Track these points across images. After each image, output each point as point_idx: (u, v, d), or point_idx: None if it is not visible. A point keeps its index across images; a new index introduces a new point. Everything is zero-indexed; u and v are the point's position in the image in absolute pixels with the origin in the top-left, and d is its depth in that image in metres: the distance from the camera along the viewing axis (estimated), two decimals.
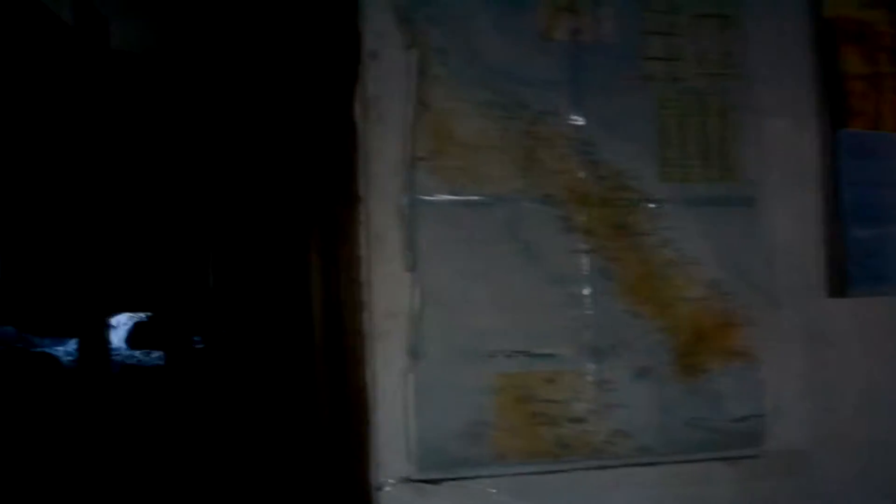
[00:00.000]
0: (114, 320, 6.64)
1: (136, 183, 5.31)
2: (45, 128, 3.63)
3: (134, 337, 6.44)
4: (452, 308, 1.50)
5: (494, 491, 1.52)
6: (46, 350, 5.46)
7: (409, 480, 1.50)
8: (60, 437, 3.47)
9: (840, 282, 1.65)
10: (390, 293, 1.51)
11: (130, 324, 6.64)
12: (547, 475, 1.53)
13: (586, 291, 1.54)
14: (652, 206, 1.58)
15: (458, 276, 1.50)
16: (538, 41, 1.57)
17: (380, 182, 1.52)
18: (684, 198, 1.59)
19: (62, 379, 4.42)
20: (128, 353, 6.13)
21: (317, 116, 1.62)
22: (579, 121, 1.57)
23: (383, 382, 1.51)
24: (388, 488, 1.50)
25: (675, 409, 1.57)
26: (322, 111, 1.61)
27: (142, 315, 6.68)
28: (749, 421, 1.57)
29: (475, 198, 1.52)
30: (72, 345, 5.68)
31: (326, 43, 1.60)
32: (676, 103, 1.61)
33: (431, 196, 1.51)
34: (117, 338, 6.48)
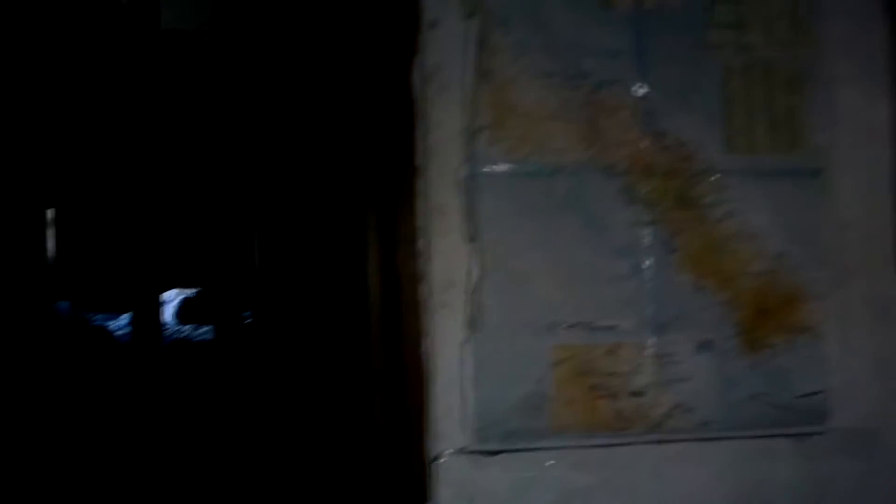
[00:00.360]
0: (165, 295, 6.82)
1: (185, 161, 5.38)
2: (98, 106, 3.68)
3: (183, 312, 6.61)
4: (512, 279, 1.50)
5: (552, 463, 1.51)
6: (101, 325, 5.63)
7: (465, 451, 1.51)
8: (113, 408, 3.55)
9: None
10: (450, 264, 1.51)
11: (179, 299, 6.81)
12: (605, 448, 1.53)
13: (648, 263, 1.53)
14: (717, 177, 1.55)
15: (519, 248, 1.50)
16: (601, 10, 1.55)
17: (439, 153, 1.52)
18: (750, 169, 1.56)
19: (116, 352, 4.54)
20: (177, 327, 6.29)
21: (374, 88, 1.62)
22: (643, 90, 1.54)
23: (441, 354, 1.52)
24: (444, 459, 1.51)
25: (738, 384, 1.55)
26: (380, 82, 1.61)
27: (190, 291, 6.84)
28: (814, 397, 1.54)
29: (536, 168, 1.51)
30: (123, 320, 5.83)
31: (384, 12, 1.59)
32: (743, 72, 1.57)
33: (492, 167, 1.50)
34: (167, 313, 6.66)
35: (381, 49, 1.55)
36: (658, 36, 1.56)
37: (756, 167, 1.55)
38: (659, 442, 1.54)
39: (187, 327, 6.34)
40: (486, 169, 1.50)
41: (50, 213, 7.19)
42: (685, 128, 1.54)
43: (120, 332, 5.34)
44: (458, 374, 1.50)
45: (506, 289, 1.50)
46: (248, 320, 5.76)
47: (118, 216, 4.66)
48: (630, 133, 1.53)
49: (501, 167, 1.50)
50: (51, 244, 7.10)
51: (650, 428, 1.53)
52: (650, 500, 1.55)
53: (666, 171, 1.53)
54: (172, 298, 7.07)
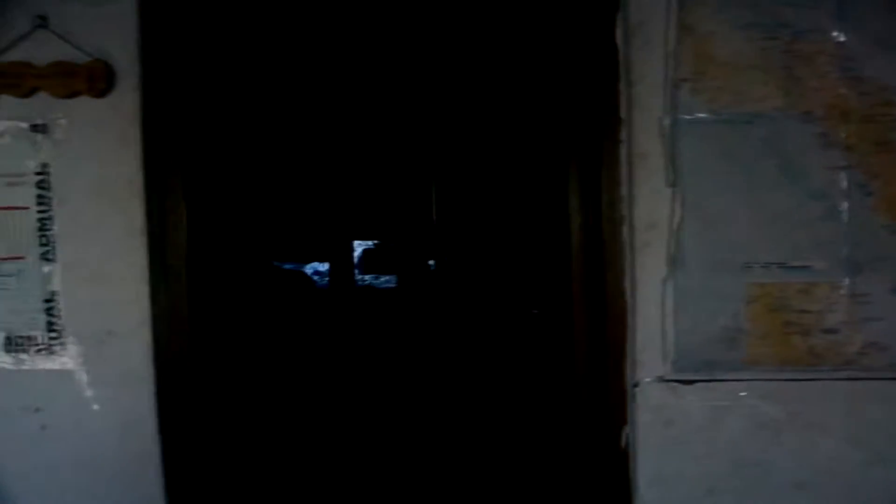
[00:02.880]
0: None
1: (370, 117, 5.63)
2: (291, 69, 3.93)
3: (364, 262, 7.16)
4: (711, 221, 1.63)
5: (744, 394, 1.64)
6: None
7: (663, 380, 1.67)
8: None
9: None
10: (651, 207, 1.66)
11: (360, 250, 7.37)
12: (798, 382, 1.64)
13: (843, 206, 1.62)
14: None
15: (718, 191, 1.62)
16: None
17: (642, 104, 1.66)
18: None
19: (314, 293, 5.05)
20: (359, 277, 6.83)
21: (579, 43, 1.77)
22: (841, 37, 1.61)
23: (642, 289, 1.68)
24: (644, 386, 1.67)
25: None
26: (584, 38, 1.75)
27: (369, 242, 7.38)
28: None
29: (735, 116, 1.62)
30: (308, 269, 6.43)
31: None
32: None
33: (693, 115, 1.63)
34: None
35: (585, 6, 1.69)
36: None
37: None
38: (851, 379, 1.63)
39: (369, 276, 6.87)
40: (687, 117, 1.63)
41: None
42: (886, 73, 1.61)
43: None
44: (659, 309, 1.66)
45: (704, 230, 1.63)
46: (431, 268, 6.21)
47: (310, 175, 4.99)
48: (828, 80, 1.61)
49: (702, 115, 1.63)
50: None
51: (842, 364, 1.63)
52: (840, 434, 1.65)
53: (864, 117, 1.61)
54: (354, 249, 7.67)
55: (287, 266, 6.95)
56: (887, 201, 1.62)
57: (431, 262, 6.54)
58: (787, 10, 1.62)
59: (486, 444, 3.49)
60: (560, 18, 1.80)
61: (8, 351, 1.87)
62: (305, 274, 6.24)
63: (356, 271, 7.09)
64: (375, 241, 7.36)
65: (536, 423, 2.90)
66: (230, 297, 2.27)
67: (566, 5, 1.78)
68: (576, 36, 1.76)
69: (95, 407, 1.86)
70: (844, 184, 1.62)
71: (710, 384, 1.66)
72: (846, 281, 1.63)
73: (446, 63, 3.32)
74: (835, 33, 1.62)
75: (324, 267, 6.88)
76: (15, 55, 1.83)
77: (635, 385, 1.69)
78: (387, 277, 6.56)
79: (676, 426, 1.67)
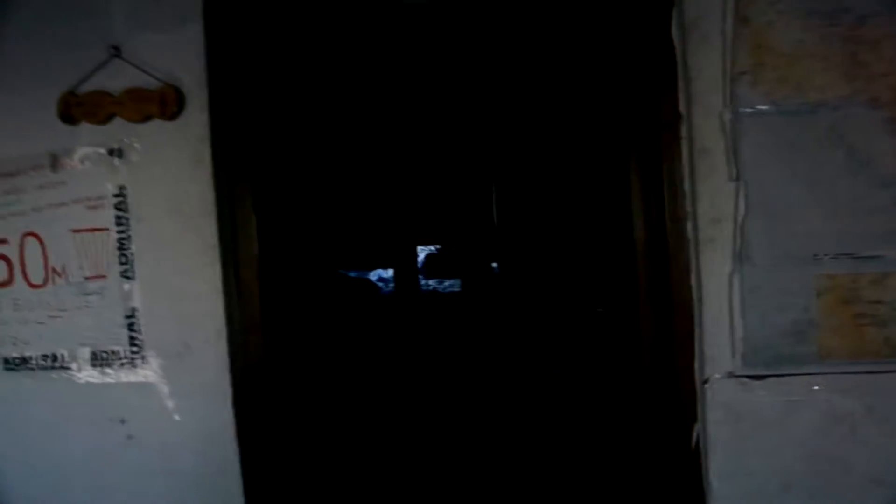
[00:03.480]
0: None
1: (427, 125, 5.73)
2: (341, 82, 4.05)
3: (427, 267, 7.30)
4: (777, 214, 1.62)
5: (817, 388, 1.63)
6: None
7: (733, 376, 1.67)
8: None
9: None
10: (715, 202, 1.66)
11: (423, 255, 7.52)
12: (873, 375, 1.62)
13: None
14: None
15: (782, 183, 1.62)
16: None
17: (702, 99, 1.66)
18: None
19: (380, 299, 5.19)
20: (423, 282, 6.96)
21: (635, 41, 1.79)
22: None
23: (709, 285, 1.68)
24: (713, 382, 1.67)
25: None
26: (640, 35, 1.76)
27: (431, 248, 7.52)
28: None
29: (797, 106, 1.61)
30: (373, 276, 6.58)
31: None
32: None
33: (753, 108, 1.63)
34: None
35: (640, 3, 1.70)
36: None
37: None
38: None
39: (433, 281, 6.99)
40: (747, 110, 1.63)
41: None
42: None
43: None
44: (727, 304, 1.66)
45: (769, 223, 1.63)
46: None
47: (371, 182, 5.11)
48: (894, 65, 1.58)
49: (763, 108, 1.62)
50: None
51: None
52: None
53: None
54: (417, 255, 7.84)
55: (352, 274, 7.14)
56: None
57: (494, 265, 6.60)
58: None
59: (558, 445, 3.51)
60: (617, 16, 1.81)
61: (94, 365, 1.98)
62: (371, 281, 6.37)
63: (420, 277, 7.23)
64: (438, 246, 7.48)
65: (607, 423, 2.90)
66: (301, 305, 2.34)
67: (622, 3, 1.79)
68: (632, 34, 1.77)
69: (177, 417, 1.95)
70: None
71: (782, 379, 1.65)
72: None
73: (506, 63, 3.35)
74: None
75: (388, 273, 7.07)
76: (92, 85, 1.93)
77: (705, 381, 1.69)
78: (450, 282, 6.64)
79: (748, 422, 1.67)
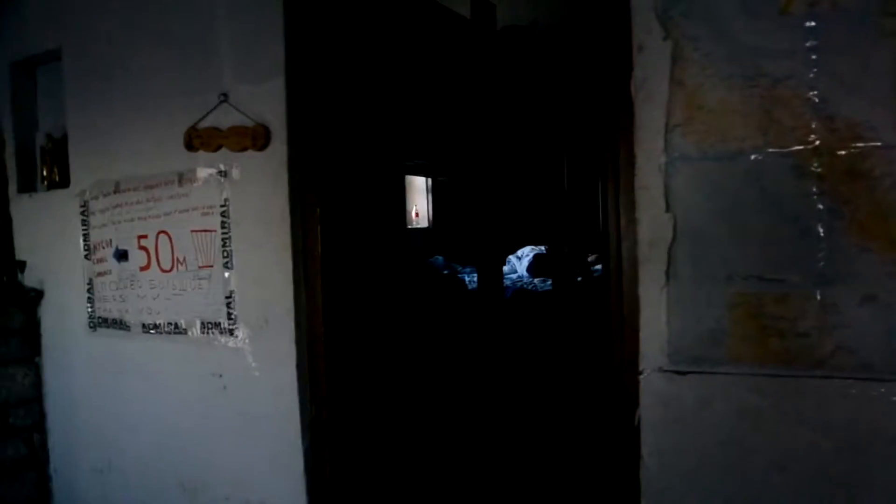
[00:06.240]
0: (520, 252, 8.17)
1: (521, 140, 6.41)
2: (457, 99, 4.70)
3: (535, 266, 7.83)
4: (699, 240, 2.05)
5: (728, 385, 2.04)
6: (463, 276, 7.02)
7: (662, 370, 2.11)
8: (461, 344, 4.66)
9: None
10: (652, 229, 2.11)
11: (532, 254, 8.05)
12: (774, 378, 1.99)
13: (817, 228, 1.94)
14: (886, 152, 1.88)
15: (705, 216, 2.04)
16: (778, 17, 1.97)
17: (645, 146, 2.12)
18: None
19: (468, 296, 5.81)
20: (528, 279, 7.52)
21: (607, 97, 2.26)
22: (815, 82, 1.94)
23: (645, 296, 2.14)
24: (647, 374, 2.13)
25: None
26: (610, 93, 2.23)
27: (540, 248, 8.03)
28: None
29: (720, 153, 2.02)
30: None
31: (609, 43, 2.21)
32: None
33: (685, 154, 2.05)
34: (522, 265, 7.98)
35: (609, 70, 2.18)
36: (831, 32, 1.91)
37: None
38: (823, 377, 1.95)
39: (537, 280, 7.51)
40: (679, 156, 2.06)
41: (426, 183, 8.92)
42: (856, 111, 1.90)
43: (473, 284, 6.68)
44: (658, 312, 2.10)
45: (694, 248, 2.05)
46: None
47: (476, 188, 5.79)
48: (802, 120, 1.95)
49: (692, 154, 2.05)
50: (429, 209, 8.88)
51: (815, 365, 1.95)
52: (813, 424, 1.97)
53: (835, 150, 1.92)
54: (527, 254, 8.40)
55: (466, 270, 7.81)
56: (857, 224, 1.92)
57: (597, 268, 6.99)
58: (766, 61, 1.99)
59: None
60: (599, 78, 2.29)
61: (203, 332, 2.73)
62: (459, 277, 6.96)
63: (528, 274, 7.74)
64: (546, 247, 7.95)
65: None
66: (368, 294, 2.99)
67: (602, 68, 2.27)
68: (607, 91, 2.25)
69: (256, 374, 2.67)
70: (817, 209, 1.95)
71: (700, 376, 2.07)
72: (818, 292, 1.95)
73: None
74: (809, 78, 1.95)
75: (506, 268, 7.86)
76: (207, 122, 2.67)
77: (641, 373, 2.14)
78: (550, 281, 7.12)
79: (673, 409, 2.11)
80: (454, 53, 4.40)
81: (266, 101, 2.64)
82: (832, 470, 1.95)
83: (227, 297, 2.74)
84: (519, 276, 8.22)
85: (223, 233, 2.73)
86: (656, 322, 2.12)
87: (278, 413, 2.68)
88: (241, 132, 2.66)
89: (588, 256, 7.20)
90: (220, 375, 2.78)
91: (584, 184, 6.90)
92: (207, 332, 2.78)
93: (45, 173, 3.29)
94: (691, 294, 2.07)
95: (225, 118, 2.69)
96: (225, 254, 2.73)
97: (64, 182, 3.22)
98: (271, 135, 2.63)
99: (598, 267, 7.07)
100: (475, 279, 6.97)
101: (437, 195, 9.81)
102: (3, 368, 3.11)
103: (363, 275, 2.93)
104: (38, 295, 3.23)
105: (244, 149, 2.66)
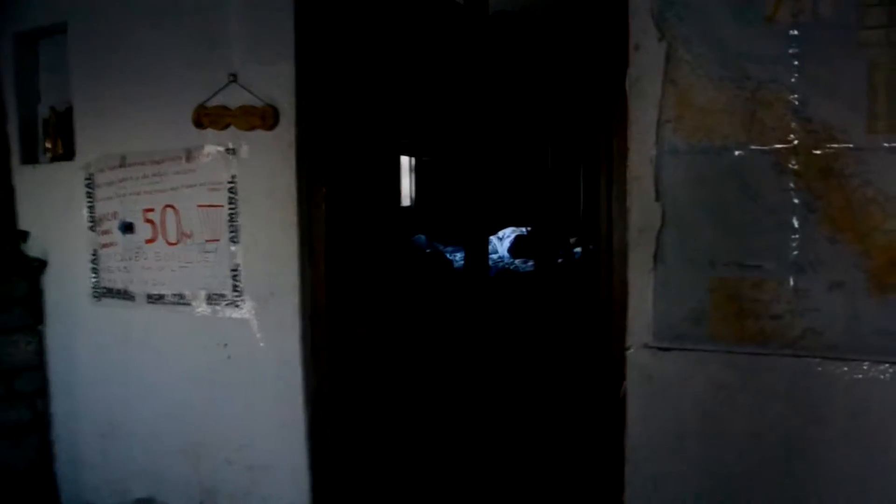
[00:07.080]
0: (501, 233, 8.37)
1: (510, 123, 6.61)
2: (446, 81, 4.85)
3: (515, 247, 8.04)
4: (685, 228, 2.24)
5: (708, 361, 2.25)
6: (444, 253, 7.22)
7: (647, 346, 2.31)
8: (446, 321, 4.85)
9: None
10: (642, 216, 2.30)
11: (513, 236, 8.25)
12: (750, 356, 2.20)
13: (792, 220, 2.14)
14: (857, 153, 2.08)
15: (691, 205, 2.23)
16: (764, 24, 2.16)
17: (638, 139, 2.30)
18: (888, 146, 2.05)
19: (453, 275, 6.00)
20: (509, 260, 7.75)
21: (603, 92, 2.44)
22: (796, 86, 2.13)
23: (634, 277, 2.33)
24: (633, 350, 2.33)
25: (865, 318, 2.09)
26: (605, 89, 2.42)
27: (522, 229, 8.24)
28: None
29: (707, 148, 2.21)
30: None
31: (607, 40, 2.39)
32: (887, 65, 2.05)
33: (674, 148, 2.24)
34: (503, 247, 8.19)
35: (606, 67, 2.35)
36: (813, 40, 2.10)
37: (894, 144, 2.04)
38: (794, 356, 2.16)
39: (518, 261, 7.73)
40: (669, 149, 2.24)
41: (409, 162, 9.08)
42: (831, 115, 2.09)
43: (460, 263, 6.89)
44: (645, 292, 2.30)
45: (679, 234, 2.25)
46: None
47: (461, 169, 5.96)
48: (783, 121, 2.14)
49: (681, 148, 2.23)
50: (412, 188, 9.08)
51: (787, 344, 2.16)
52: (784, 398, 2.18)
53: (812, 149, 2.12)
54: (508, 235, 8.61)
55: (448, 249, 8.02)
56: (828, 218, 2.12)
57: (577, 250, 7.22)
58: (752, 65, 2.18)
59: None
60: (596, 74, 2.46)
61: (208, 304, 2.88)
62: (444, 255, 7.16)
63: (509, 255, 7.96)
64: (528, 228, 8.15)
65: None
66: (365, 271, 3.16)
67: (600, 63, 2.44)
68: (602, 86, 2.42)
69: (262, 345, 2.83)
70: (793, 202, 2.15)
71: (682, 352, 2.27)
72: (791, 279, 2.16)
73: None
74: (790, 83, 2.14)
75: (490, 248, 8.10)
76: (216, 101, 2.80)
77: (627, 349, 2.35)
78: (531, 262, 7.33)
79: (656, 382, 2.31)
80: (445, 36, 4.53)
81: (275, 83, 2.77)
82: (799, 441, 2.17)
83: (232, 270, 2.89)
84: (500, 257, 8.42)
85: (230, 208, 2.87)
86: (643, 302, 2.32)
87: (282, 382, 2.84)
88: (250, 112, 2.80)
89: (569, 239, 7.41)
90: (225, 345, 2.93)
91: (566, 168, 7.14)
92: (213, 304, 2.93)
93: (48, 145, 3.39)
94: (676, 277, 2.27)
95: (233, 97, 2.82)
96: (232, 228, 2.87)
97: (68, 155, 3.31)
98: (279, 115, 2.77)
99: (579, 249, 7.30)
100: (457, 258, 7.17)
101: (420, 175, 9.96)
102: (7, 336, 3.23)
103: (363, 252, 3.09)
104: (41, 264, 3.34)
105: (253, 128, 2.80)
